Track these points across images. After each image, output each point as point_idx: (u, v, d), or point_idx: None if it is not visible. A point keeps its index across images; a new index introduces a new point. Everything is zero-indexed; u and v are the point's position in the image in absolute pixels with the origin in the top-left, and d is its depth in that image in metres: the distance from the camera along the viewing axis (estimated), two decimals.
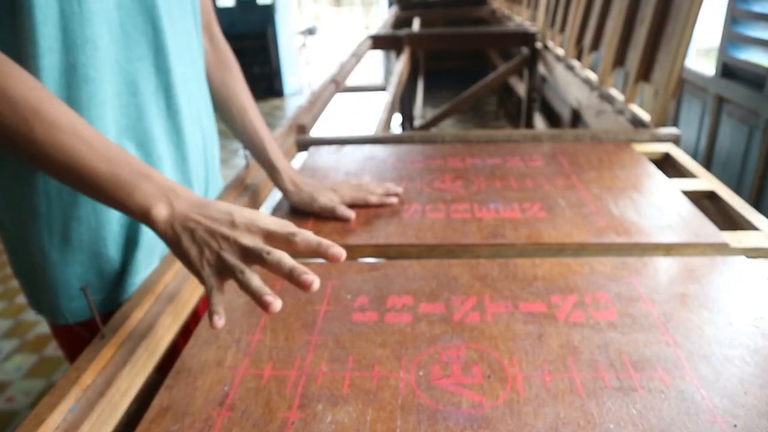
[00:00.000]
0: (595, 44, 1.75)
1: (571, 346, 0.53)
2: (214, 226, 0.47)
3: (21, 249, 0.61)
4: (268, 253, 0.45)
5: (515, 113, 3.74)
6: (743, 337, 0.54)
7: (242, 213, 0.48)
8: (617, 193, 0.85)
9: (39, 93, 0.47)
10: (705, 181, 0.91)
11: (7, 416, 1.68)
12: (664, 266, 0.66)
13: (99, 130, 0.54)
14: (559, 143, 1.10)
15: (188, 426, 0.46)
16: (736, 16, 1.62)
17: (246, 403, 0.48)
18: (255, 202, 0.88)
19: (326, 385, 0.49)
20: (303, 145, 1.15)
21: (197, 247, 0.47)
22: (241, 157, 0.81)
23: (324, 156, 1.07)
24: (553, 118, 2.78)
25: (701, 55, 2.31)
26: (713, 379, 0.48)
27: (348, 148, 1.11)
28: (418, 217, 0.80)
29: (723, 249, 0.70)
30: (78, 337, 0.61)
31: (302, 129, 1.21)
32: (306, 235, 0.47)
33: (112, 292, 0.63)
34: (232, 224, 0.47)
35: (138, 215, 0.49)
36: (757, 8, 1.53)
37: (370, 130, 1.31)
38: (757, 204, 1.53)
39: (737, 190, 1.60)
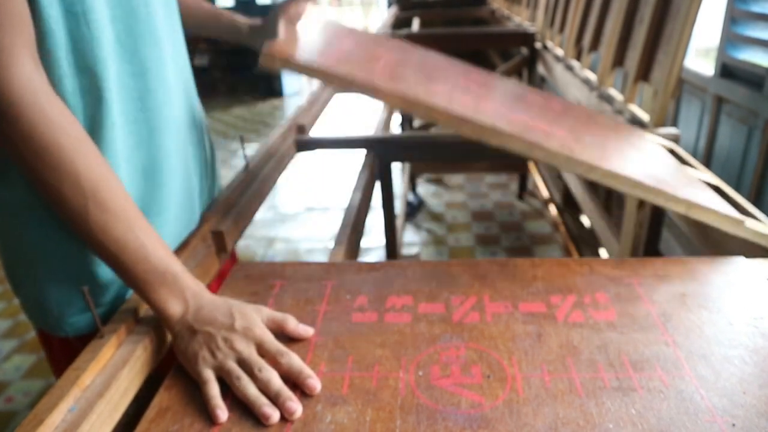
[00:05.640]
0: (595, 44, 1.75)
1: (570, 346, 0.53)
2: (214, 330, 0.51)
3: (21, 260, 0.59)
4: (260, 370, 0.49)
5: None
6: (742, 337, 0.54)
7: (243, 319, 0.52)
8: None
9: (101, 170, 0.51)
10: (709, 175, 0.91)
11: (6, 416, 1.68)
12: (664, 266, 0.66)
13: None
14: None
15: (188, 426, 0.46)
16: (735, 16, 1.62)
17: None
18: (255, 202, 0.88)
19: (326, 385, 0.49)
20: (302, 145, 1.15)
21: (197, 344, 0.51)
22: (240, 158, 0.81)
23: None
24: None
25: (700, 55, 2.31)
26: (712, 379, 0.49)
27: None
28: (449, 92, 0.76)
29: (739, 226, 0.70)
30: (75, 351, 0.60)
31: (302, 129, 1.21)
32: (292, 358, 0.50)
33: (113, 304, 0.62)
34: (232, 328, 0.51)
35: (154, 307, 0.53)
36: (757, 8, 1.53)
37: (370, 130, 1.31)
38: (756, 204, 1.53)
39: (737, 189, 1.60)
